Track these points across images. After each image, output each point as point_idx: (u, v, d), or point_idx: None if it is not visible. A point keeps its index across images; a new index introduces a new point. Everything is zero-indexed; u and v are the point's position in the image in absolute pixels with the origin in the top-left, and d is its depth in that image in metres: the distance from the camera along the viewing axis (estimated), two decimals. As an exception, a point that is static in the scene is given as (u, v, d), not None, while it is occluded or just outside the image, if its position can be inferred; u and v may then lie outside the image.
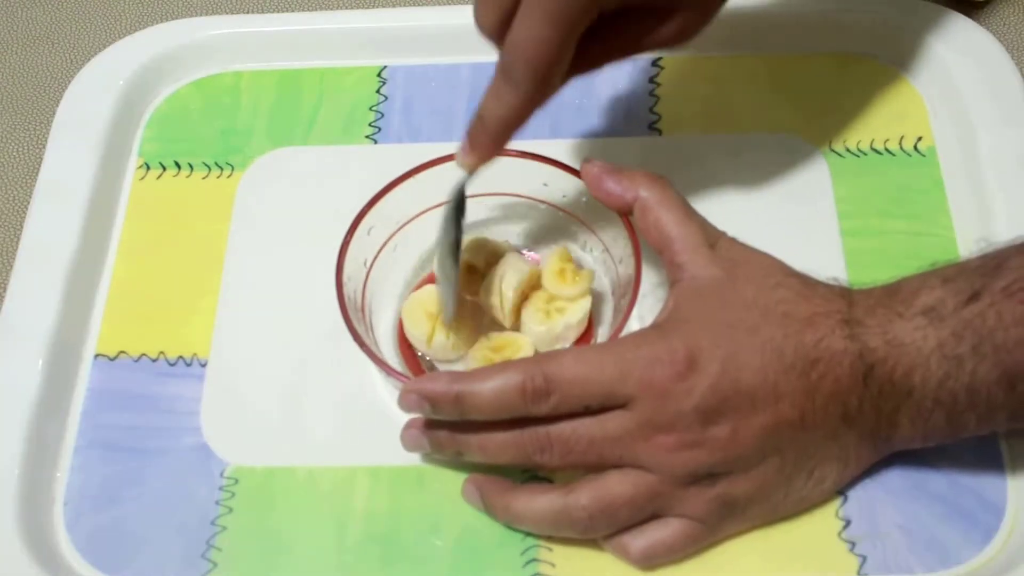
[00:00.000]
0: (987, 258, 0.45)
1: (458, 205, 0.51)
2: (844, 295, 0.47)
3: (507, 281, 0.53)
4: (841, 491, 0.49)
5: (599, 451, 0.46)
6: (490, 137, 0.48)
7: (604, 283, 0.55)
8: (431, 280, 0.55)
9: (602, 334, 0.54)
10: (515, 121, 0.48)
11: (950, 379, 0.44)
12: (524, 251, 0.57)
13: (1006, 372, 0.43)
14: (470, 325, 0.53)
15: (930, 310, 0.44)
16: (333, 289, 0.50)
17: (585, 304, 0.53)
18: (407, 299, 0.54)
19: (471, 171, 0.50)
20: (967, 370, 0.44)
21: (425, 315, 0.53)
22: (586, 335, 0.53)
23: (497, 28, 0.46)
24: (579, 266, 0.54)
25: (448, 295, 0.52)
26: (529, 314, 0.53)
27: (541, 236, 0.57)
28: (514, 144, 0.51)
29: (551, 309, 0.53)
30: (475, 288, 0.54)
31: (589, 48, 0.48)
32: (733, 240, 0.49)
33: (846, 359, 0.45)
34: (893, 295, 0.46)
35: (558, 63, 0.46)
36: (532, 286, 0.54)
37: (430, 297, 0.53)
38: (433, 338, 0.52)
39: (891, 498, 0.49)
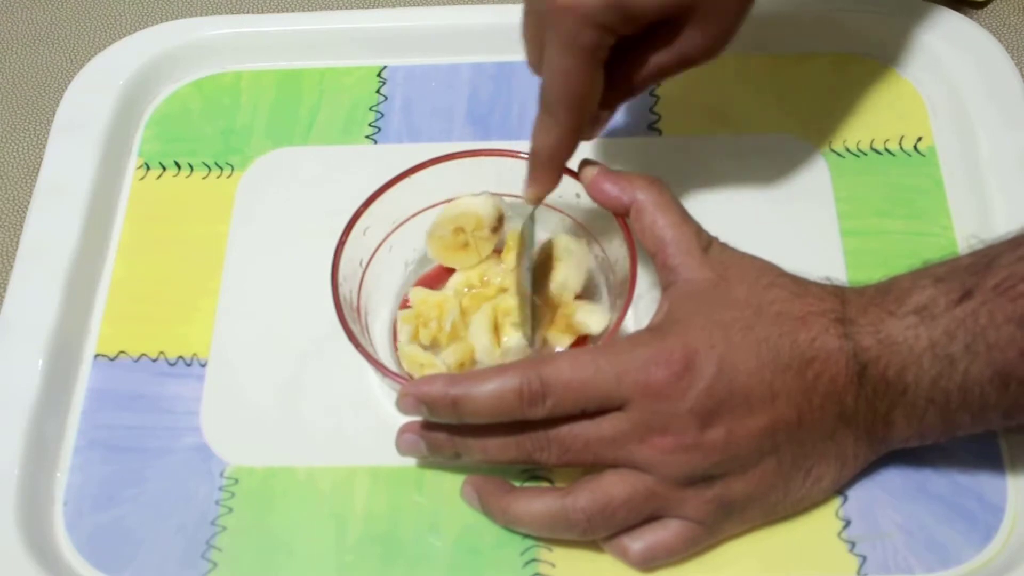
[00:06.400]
0: (978, 256, 0.45)
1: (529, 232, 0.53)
2: (837, 294, 0.47)
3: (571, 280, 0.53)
4: (841, 491, 0.49)
5: (595, 452, 0.46)
6: (544, 168, 0.50)
7: (600, 285, 0.55)
8: (425, 282, 0.55)
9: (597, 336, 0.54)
10: (563, 150, 0.49)
11: (943, 378, 0.44)
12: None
13: (999, 371, 0.43)
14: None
15: (922, 309, 0.44)
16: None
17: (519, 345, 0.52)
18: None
19: (535, 202, 0.51)
20: (960, 369, 0.43)
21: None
22: (582, 338, 0.53)
23: (540, 66, 0.48)
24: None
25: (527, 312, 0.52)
26: (477, 323, 0.52)
27: (537, 237, 0.57)
28: (512, 144, 0.51)
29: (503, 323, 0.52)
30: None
31: (621, 74, 0.49)
32: (725, 245, 0.49)
33: (841, 358, 0.45)
34: (885, 294, 0.46)
35: (587, 91, 0.47)
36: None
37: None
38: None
39: (891, 498, 0.49)
